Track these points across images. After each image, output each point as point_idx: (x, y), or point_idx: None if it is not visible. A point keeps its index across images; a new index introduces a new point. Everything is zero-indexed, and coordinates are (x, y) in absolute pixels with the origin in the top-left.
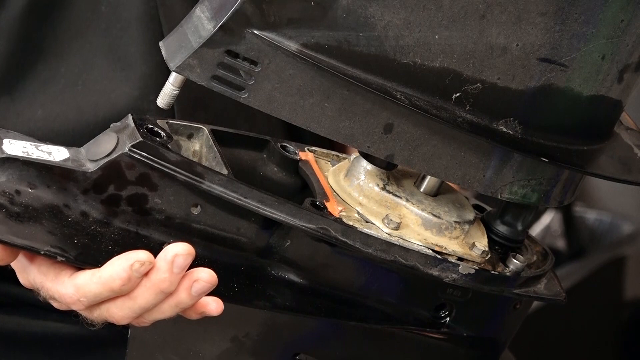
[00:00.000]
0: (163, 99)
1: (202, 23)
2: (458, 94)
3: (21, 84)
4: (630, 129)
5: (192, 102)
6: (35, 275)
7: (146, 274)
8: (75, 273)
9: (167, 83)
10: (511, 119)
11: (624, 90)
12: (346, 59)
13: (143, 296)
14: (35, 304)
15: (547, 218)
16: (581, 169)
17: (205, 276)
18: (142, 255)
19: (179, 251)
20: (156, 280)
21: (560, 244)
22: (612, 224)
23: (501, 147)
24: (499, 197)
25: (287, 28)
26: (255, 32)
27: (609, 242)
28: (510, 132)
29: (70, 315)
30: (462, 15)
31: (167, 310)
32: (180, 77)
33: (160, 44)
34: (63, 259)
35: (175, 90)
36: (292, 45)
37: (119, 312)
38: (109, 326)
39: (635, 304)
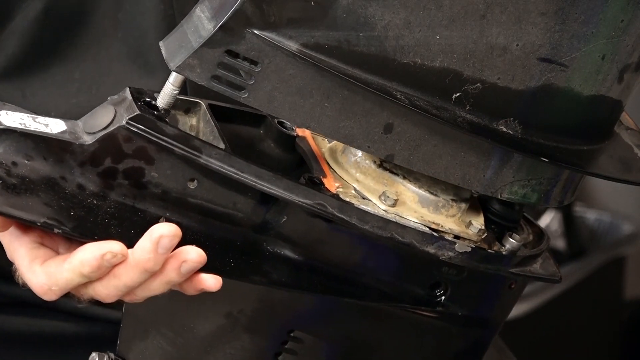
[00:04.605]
0: (163, 99)
1: (202, 23)
2: (458, 94)
3: (36, 84)
4: (630, 129)
5: None
6: (15, 256)
7: (132, 252)
8: (47, 261)
9: (167, 83)
10: (511, 119)
11: (624, 90)
12: (346, 59)
13: (128, 275)
14: (42, 305)
15: (547, 218)
16: (581, 169)
17: (194, 257)
18: (115, 246)
19: (164, 232)
20: (141, 259)
21: (560, 244)
22: (612, 224)
23: (501, 147)
24: (499, 197)
25: (287, 28)
26: (256, 32)
27: (609, 242)
28: (510, 132)
29: (78, 315)
30: (462, 15)
31: (157, 287)
32: (180, 77)
33: (160, 43)
34: (60, 231)
35: (175, 90)
36: (292, 45)
37: (104, 291)
38: (119, 325)
39: (635, 304)
